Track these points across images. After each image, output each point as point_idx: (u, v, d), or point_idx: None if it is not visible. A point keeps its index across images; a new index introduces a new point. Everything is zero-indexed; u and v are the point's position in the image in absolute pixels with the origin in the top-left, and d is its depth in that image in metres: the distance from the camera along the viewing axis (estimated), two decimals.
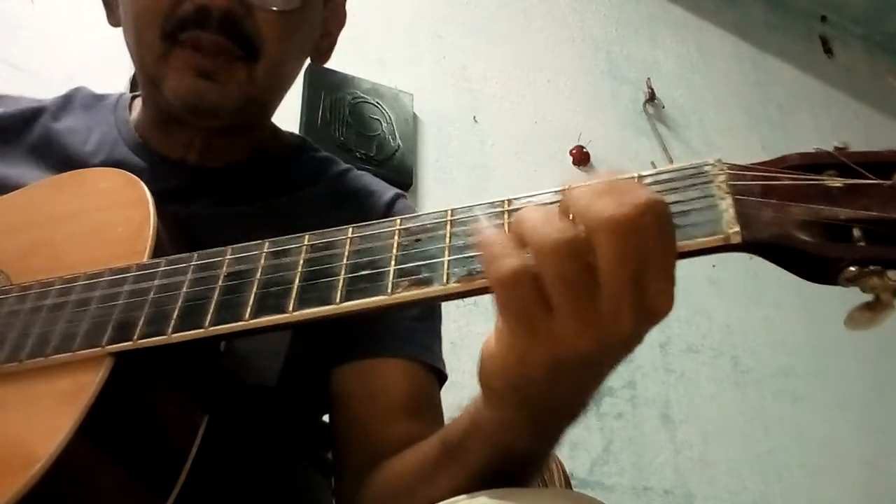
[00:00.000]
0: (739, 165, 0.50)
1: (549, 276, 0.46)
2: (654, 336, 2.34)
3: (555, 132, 2.53)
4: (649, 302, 0.46)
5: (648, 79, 2.78)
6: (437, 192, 2.26)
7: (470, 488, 0.58)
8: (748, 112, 2.98)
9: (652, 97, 2.76)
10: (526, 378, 0.50)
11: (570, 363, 0.48)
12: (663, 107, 2.79)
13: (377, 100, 2.31)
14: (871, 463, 2.48)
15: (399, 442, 0.75)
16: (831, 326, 2.58)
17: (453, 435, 0.63)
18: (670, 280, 0.46)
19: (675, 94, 2.86)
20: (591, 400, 0.56)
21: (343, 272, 0.55)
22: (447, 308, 1.93)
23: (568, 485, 1.84)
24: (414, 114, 2.35)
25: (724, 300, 2.54)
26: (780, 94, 3.10)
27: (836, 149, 0.49)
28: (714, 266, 2.54)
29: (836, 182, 0.47)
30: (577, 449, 2.11)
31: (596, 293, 0.46)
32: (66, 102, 0.96)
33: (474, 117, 2.47)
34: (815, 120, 3.07)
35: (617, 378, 2.26)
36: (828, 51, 3.32)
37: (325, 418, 0.89)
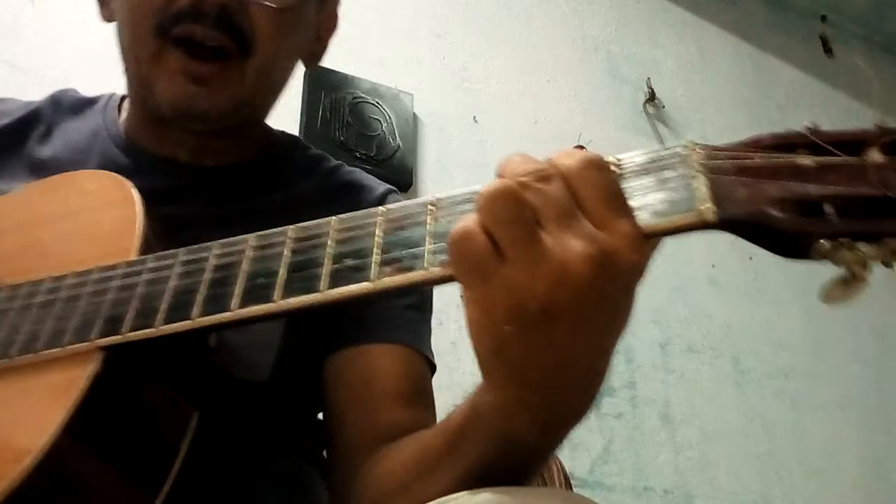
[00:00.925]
0: (713, 146, 0.51)
1: (488, 222, 0.48)
2: (654, 336, 2.35)
3: (555, 132, 2.53)
4: (603, 241, 0.47)
5: (648, 79, 2.77)
6: (436, 192, 2.26)
7: (470, 481, 0.58)
8: (748, 112, 2.98)
9: (652, 97, 2.76)
10: (498, 333, 0.50)
11: (533, 309, 0.48)
12: (663, 107, 2.79)
13: (377, 100, 2.31)
14: (871, 463, 2.48)
15: (395, 428, 0.75)
16: (831, 326, 2.59)
17: (454, 423, 0.63)
18: (619, 216, 0.48)
19: (675, 94, 2.86)
20: (585, 390, 0.55)
21: (327, 261, 0.55)
22: (447, 308, 1.94)
23: (568, 485, 1.83)
24: (414, 114, 2.35)
25: (724, 300, 2.53)
26: (780, 94, 3.09)
27: (807, 129, 0.50)
28: (714, 266, 2.54)
29: (808, 160, 0.48)
30: (577, 449, 2.11)
31: (538, 234, 0.48)
32: (55, 111, 0.96)
33: (474, 117, 2.47)
34: (815, 120, 3.06)
35: (617, 378, 2.26)
36: (828, 51, 3.32)
37: (319, 416, 0.89)
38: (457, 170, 2.35)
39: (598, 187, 0.49)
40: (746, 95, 3.02)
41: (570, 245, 0.47)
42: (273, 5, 0.82)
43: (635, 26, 2.94)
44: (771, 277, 2.58)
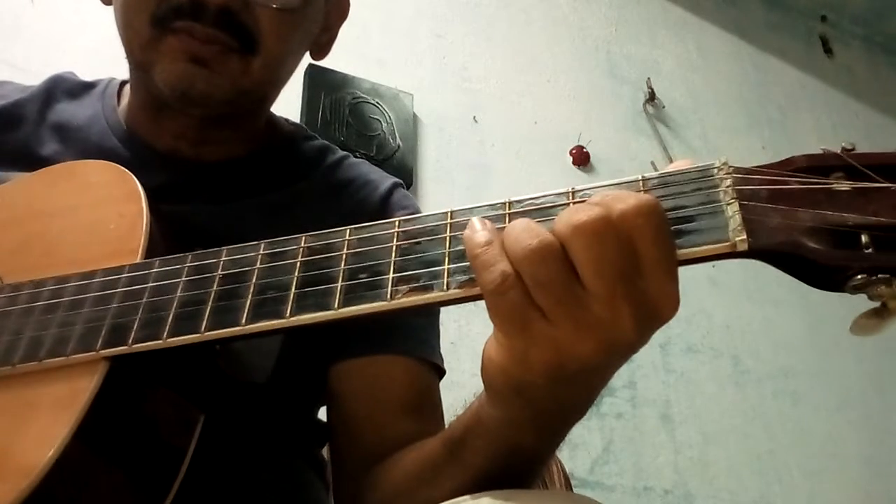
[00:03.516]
0: (746, 169, 0.48)
1: (527, 280, 0.46)
2: (654, 336, 2.34)
3: (555, 132, 2.53)
4: (650, 304, 0.46)
5: (648, 79, 2.77)
6: (437, 192, 2.26)
7: (472, 488, 0.58)
8: (748, 112, 2.98)
9: (652, 97, 2.76)
10: (528, 382, 0.50)
11: (572, 368, 0.48)
12: (663, 107, 2.79)
13: (377, 100, 2.31)
14: (871, 463, 2.48)
15: (401, 439, 0.75)
16: (831, 326, 2.58)
17: (457, 432, 0.62)
18: (671, 281, 0.46)
19: (675, 94, 2.86)
20: (591, 401, 0.56)
21: (341, 277, 0.53)
22: (448, 308, 1.93)
23: (568, 485, 1.83)
24: (414, 114, 2.35)
25: (724, 300, 2.53)
26: (780, 94, 3.09)
27: (844, 150, 0.47)
28: (714, 266, 2.54)
29: (844, 185, 0.46)
30: (577, 449, 2.11)
31: (583, 296, 0.45)
32: (49, 95, 0.93)
33: (474, 117, 2.47)
34: (815, 120, 3.06)
35: (617, 378, 2.24)
36: (828, 51, 3.32)
37: (320, 415, 0.89)
38: (457, 170, 2.35)
39: (650, 252, 0.45)
40: (746, 95, 3.02)
41: (620, 312, 0.45)
42: (278, 6, 0.80)
43: (635, 26, 2.94)
44: (771, 277, 2.58)
